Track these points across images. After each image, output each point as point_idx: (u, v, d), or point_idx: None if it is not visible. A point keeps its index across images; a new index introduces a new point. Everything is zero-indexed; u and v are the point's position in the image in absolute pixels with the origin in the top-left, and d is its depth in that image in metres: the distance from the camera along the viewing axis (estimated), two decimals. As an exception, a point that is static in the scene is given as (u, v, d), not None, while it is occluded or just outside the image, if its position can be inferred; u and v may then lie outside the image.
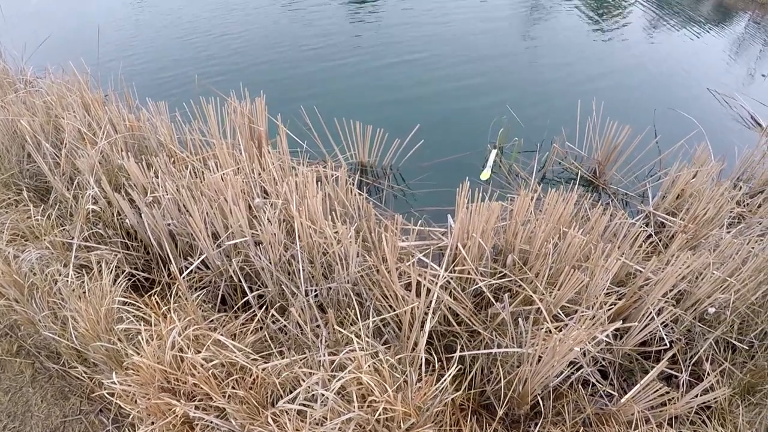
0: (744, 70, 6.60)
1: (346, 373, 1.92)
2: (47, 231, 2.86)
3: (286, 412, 2.01)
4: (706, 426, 2.43)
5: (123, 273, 2.76)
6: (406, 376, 2.10)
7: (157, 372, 2.08)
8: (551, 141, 4.26)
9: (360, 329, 2.21)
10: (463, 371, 2.38)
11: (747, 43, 7.61)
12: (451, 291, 2.55)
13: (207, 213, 2.65)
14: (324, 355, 2.16)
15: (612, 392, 2.56)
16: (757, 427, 2.48)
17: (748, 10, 9.18)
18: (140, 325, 2.27)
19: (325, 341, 2.32)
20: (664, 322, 2.54)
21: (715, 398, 2.41)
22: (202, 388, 2.06)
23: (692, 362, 2.65)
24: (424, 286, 2.30)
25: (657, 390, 2.26)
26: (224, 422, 2.05)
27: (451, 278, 2.52)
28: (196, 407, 2.07)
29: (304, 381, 2.06)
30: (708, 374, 2.63)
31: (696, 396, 2.33)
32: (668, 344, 2.62)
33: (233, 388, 2.11)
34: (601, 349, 2.49)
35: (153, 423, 2.11)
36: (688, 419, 2.46)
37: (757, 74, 6.50)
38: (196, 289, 2.78)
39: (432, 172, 4.04)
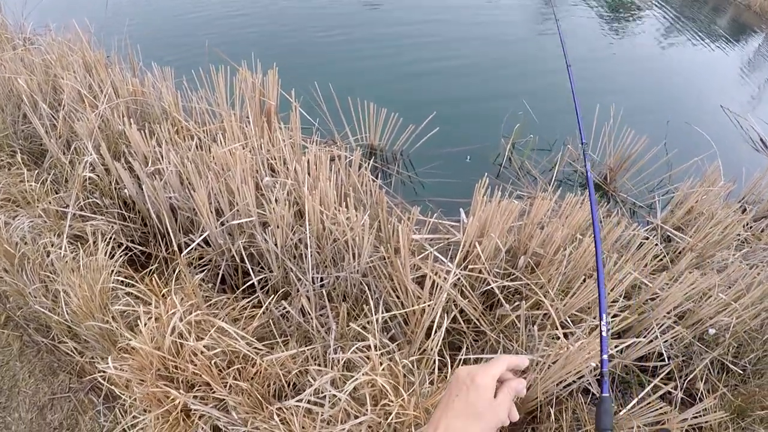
0: (756, 89, 6.61)
1: (361, 375, 1.86)
2: (40, 197, 2.71)
3: (293, 408, 1.95)
4: (697, 445, 2.45)
5: (120, 246, 2.65)
6: (418, 378, 2.05)
7: (155, 358, 1.99)
8: (564, 142, 4.22)
9: (369, 323, 2.15)
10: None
11: (761, 61, 7.63)
12: (460, 289, 2.49)
13: (212, 188, 2.54)
14: (334, 352, 2.10)
15: (609, 403, 2.56)
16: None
17: (764, 27, 9.20)
18: (138, 305, 2.17)
19: (333, 334, 2.25)
20: (667, 340, 2.54)
21: (707, 421, 2.42)
22: (202, 377, 1.98)
23: (687, 380, 2.66)
24: (436, 283, 2.23)
25: (657, 409, 2.26)
26: (225, 414, 1.98)
27: (462, 276, 2.46)
28: (195, 397, 2.00)
29: (313, 378, 2.00)
30: (702, 393, 2.65)
31: (692, 416, 2.34)
32: (666, 360, 2.63)
33: (235, 378, 2.03)
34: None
35: (146, 411, 2.03)
36: (680, 437, 2.47)
37: (767, 95, 6.52)
38: (195, 267, 2.68)
39: (442, 162, 3.96)
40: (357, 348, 2.05)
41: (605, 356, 1.36)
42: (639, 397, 2.42)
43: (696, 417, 2.38)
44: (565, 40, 3.23)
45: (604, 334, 1.44)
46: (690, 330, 2.69)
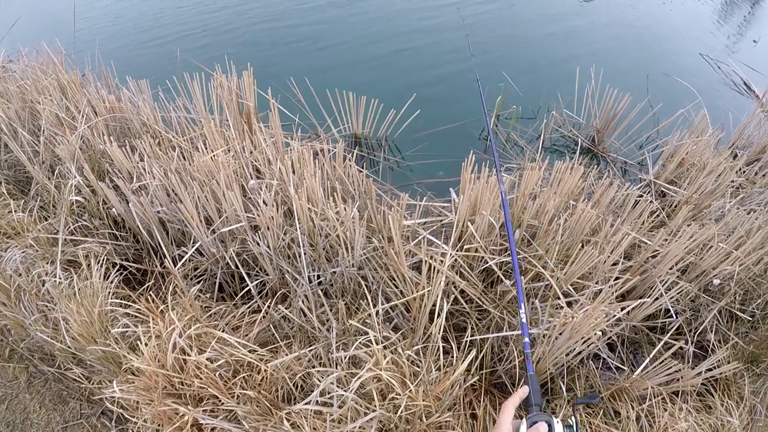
0: (733, 34, 6.51)
1: (365, 371, 1.85)
2: (29, 226, 2.69)
3: (302, 411, 1.94)
4: (712, 396, 2.45)
5: (114, 266, 2.63)
6: (424, 366, 2.04)
7: (160, 377, 1.99)
8: (548, 108, 4.18)
9: (370, 317, 2.13)
10: (475, 354, 2.33)
11: (735, 5, 7.50)
12: (458, 270, 2.48)
13: (199, 198, 2.51)
14: (337, 351, 2.08)
15: (620, 366, 2.56)
16: (762, 397, 2.51)
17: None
18: (137, 326, 2.16)
19: (335, 332, 2.24)
20: (673, 296, 2.52)
21: (722, 373, 2.42)
22: (209, 390, 1.98)
23: (697, 333, 2.65)
24: (434, 267, 2.22)
25: (671, 368, 2.25)
26: (236, 425, 1.98)
27: (459, 257, 2.44)
28: (204, 411, 1.99)
29: (318, 379, 1.99)
30: (713, 345, 2.65)
31: (705, 370, 2.33)
32: (674, 316, 2.61)
33: (242, 387, 2.03)
34: (610, 324, 2.46)
35: (158, 430, 2.02)
36: (694, 391, 2.47)
37: (746, 38, 6.42)
38: (191, 279, 2.66)
39: (428, 142, 3.92)
40: (360, 344, 2.04)
41: (527, 339, 1.55)
42: (651, 356, 2.41)
43: (710, 370, 2.38)
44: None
45: (523, 320, 1.60)
46: (694, 283, 2.68)
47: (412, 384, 1.87)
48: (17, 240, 2.66)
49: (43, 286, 2.43)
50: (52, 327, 2.36)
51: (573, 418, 1.16)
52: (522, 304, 1.69)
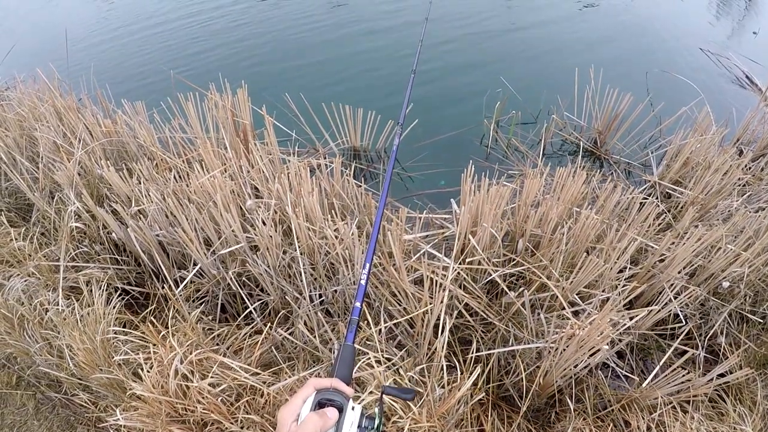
0: (732, 26, 6.43)
1: (367, 394, 1.82)
2: (30, 254, 2.70)
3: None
4: (724, 402, 2.40)
5: (116, 291, 2.62)
6: (429, 385, 2.01)
7: (162, 403, 1.97)
8: (548, 112, 4.14)
9: (372, 334, 2.11)
10: (482, 368, 2.30)
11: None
12: (462, 283, 2.44)
13: (197, 220, 2.50)
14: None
15: (629, 375, 2.52)
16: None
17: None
18: (139, 352, 2.15)
19: (337, 352, 2.21)
20: (682, 300, 2.48)
21: (737, 378, 2.37)
22: (212, 415, 1.96)
23: (708, 337, 2.60)
24: (436, 282, 2.18)
25: (682, 376, 2.20)
26: (240, 450, 1.96)
27: (462, 270, 2.41)
28: (209, 437, 1.98)
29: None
30: (724, 348, 2.60)
31: (716, 376, 2.29)
32: (684, 321, 2.57)
33: (245, 411, 2.01)
34: (618, 333, 2.42)
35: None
36: (706, 396, 2.42)
37: (745, 30, 6.33)
38: (193, 301, 2.65)
39: (428, 152, 3.88)
40: (363, 365, 2.01)
41: (358, 303, 1.47)
42: (661, 363, 2.37)
43: (722, 375, 2.33)
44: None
45: (362, 283, 1.55)
46: (703, 286, 2.64)
47: (415, 405, 1.85)
48: (19, 268, 2.67)
49: (46, 314, 2.43)
50: (56, 355, 2.36)
51: (378, 408, 1.01)
52: (368, 264, 1.60)
